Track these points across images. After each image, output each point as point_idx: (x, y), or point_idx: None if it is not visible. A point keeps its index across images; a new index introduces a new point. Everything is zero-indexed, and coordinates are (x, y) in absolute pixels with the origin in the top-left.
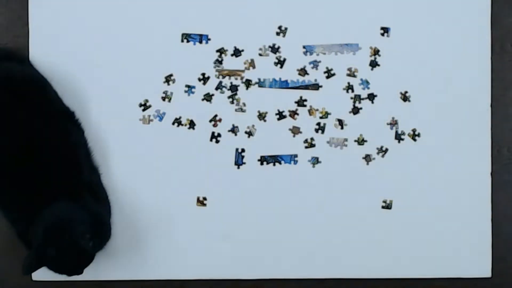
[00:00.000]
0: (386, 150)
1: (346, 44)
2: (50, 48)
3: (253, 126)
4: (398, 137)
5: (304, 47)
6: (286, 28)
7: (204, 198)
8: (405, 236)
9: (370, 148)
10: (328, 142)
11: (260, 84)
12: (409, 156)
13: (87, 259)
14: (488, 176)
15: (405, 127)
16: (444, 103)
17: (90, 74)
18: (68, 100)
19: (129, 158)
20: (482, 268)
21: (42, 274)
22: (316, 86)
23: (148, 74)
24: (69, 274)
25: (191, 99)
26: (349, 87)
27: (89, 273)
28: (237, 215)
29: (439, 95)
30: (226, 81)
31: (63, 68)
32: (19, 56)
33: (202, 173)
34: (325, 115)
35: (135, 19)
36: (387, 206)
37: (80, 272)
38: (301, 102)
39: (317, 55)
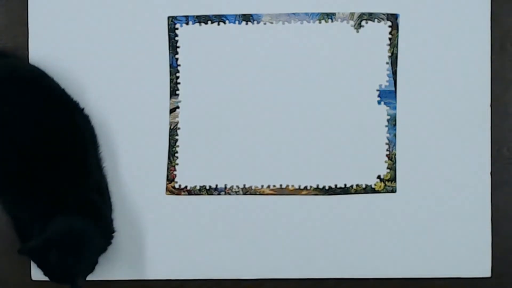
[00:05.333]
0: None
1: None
2: (49, 47)
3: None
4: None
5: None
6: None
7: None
8: (405, 236)
9: (368, 148)
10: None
11: None
12: (408, 155)
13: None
14: (488, 176)
15: (403, 127)
16: (443, 103)
17: (90, 73)
18: None
19: (129, 157)
20: (481, 268)
21: (42, 274)
22: None
23: (150, 70)
24: (52, 281)
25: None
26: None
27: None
28: (237, 215)
29: (439, 94)
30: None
31: (63, 67)
32: (16, 54)
33: (203, 171)
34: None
35: (133, 13)
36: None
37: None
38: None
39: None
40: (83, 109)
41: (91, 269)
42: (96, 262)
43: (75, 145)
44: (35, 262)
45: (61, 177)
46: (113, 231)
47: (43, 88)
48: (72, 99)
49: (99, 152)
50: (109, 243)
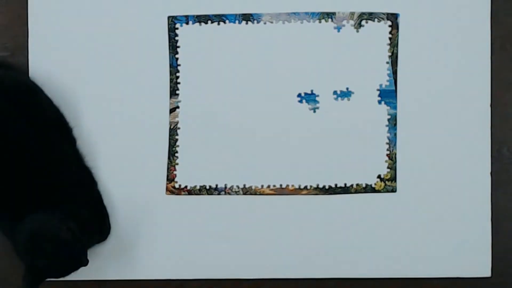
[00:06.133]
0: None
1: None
2: (49, 47)
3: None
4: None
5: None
6: None
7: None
8: (405, 236)
9: (369, 148)
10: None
11: None
12: (408, 155)
13: (78, 251)
14: (488, 176)
15: (404, 127)
16: (443, 103)
17: (90, 73)
18: (67, 98)
19: (129, 157)
20: (481, 267)
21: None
22: None
23: (150, 70)
24: (70, 272)
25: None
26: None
27: (89, 273)
28: (237, 215)
29: (439, 94)
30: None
31: (62, 67)
32: (8, 63)
33: (203, 171)
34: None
35: (133, 13)
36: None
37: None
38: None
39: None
40: (65, 123)
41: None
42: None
43: (50, 162)
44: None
45: (34, 188)
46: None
47: (27, 103)
48: (58, 114)
49: (82, 161)
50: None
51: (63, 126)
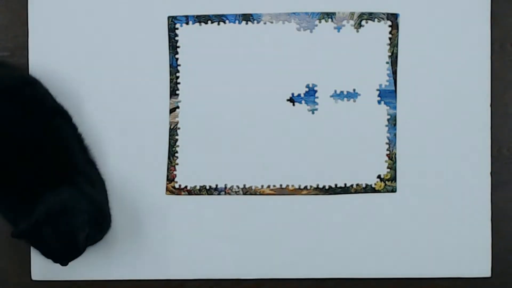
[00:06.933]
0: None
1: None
2: (49, 47)
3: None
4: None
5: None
6: None
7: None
8: (405, 236)
9: (368, 148)
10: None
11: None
12: (408, 155)
13: (76, 252)
14: (488, 176)
15: (404, 127)
16: (443, 103)
17: (90, 73)
18: (68, 98)
19: (129, 157)
20: (481, 267)
21: (42, 274)
22: None
23: (150, 70)
24: (55, 261)
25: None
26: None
27: (89, 273)
28: (237, 215)
29: (439, 94)
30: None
31: (63, 67)
32: (8, 64)
33: (203, 171)
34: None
35: (133, 13)
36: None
37: (65, 263)
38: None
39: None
40: (65, 112)
41: (90, 242)
42: (96, 237)
43: (57, 144)
44: (31, 244)
45: (44, 173)
46: (104, 211)
47: (27, 95)
48: (56, 104)
49: (87, 150)
50: (105, 221)
51: (64, 113)
